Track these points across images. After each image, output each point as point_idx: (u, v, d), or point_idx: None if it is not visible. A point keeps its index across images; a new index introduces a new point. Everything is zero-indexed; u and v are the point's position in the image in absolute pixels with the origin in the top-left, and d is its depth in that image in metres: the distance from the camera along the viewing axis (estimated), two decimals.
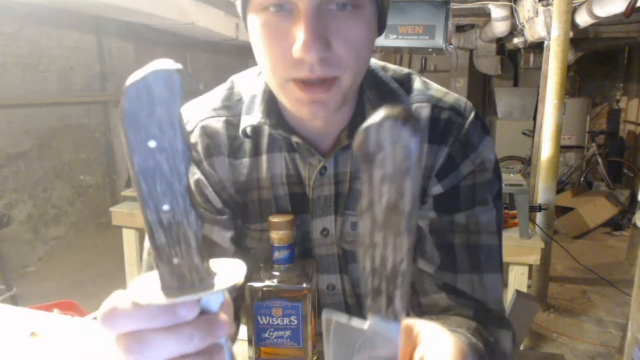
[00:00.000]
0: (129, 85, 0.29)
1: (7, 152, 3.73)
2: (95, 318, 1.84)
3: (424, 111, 0.68)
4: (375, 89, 0.68)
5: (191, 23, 3.88)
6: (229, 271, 0.37)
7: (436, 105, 0.68)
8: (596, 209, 4.60)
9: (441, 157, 0.67)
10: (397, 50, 2.93)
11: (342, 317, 0.34)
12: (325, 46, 0.52)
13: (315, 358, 0.68)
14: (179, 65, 0.29)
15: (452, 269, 0.67)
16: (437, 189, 0.68)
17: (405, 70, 0.74)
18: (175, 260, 0.34)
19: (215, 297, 0.37)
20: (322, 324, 0.35)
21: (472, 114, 0.69)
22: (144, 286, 0.35)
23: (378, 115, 0.27)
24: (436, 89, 0.71)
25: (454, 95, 0.71)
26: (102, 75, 4.65)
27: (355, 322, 0.33)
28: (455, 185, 0.68)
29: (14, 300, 2.69)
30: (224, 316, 0.36)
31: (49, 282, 3.56)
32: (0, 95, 3.62)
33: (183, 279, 0.34)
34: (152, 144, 0.30)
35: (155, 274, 0.35)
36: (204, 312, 0.36)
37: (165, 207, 0.32)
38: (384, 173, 0.27)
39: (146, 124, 0.29)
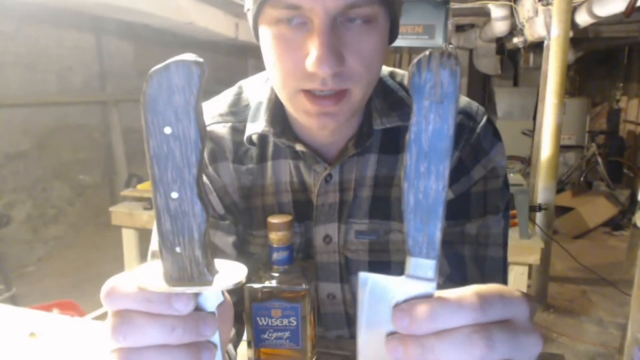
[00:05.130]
0: (153, 72, 0.31)
1: (6, 152, 3.72)
2: (95, 317, 1.84)
3: None
4: (382, 98, 0.67)
5: (190, 23, 3.87)
6: (229, 273, 0.37)
7: None
8: (596, 209, 4.60)
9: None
10: (397, 50, 2.93)
11: (378, 275, 0.34)
12: (339, 61, 0.51)
13: (314, 359, 0.67)
14: (200, 59, 0.31)
15: (463, 281, 0.65)
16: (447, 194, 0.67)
17: None
18: (178, 249, 0.35)
19: (213, 297, 0.37)
20: (357, 284, 0.35)
21: (484, 119, 0.67)
22: (149, 271, 0.37)
23: (424, 53, 0.31)
24: None
25: (465, 98, 0.70)
26: (101, 74, 4.65)
27: (392, 278, 0.34)
28: (465, 191, 0.66)
29: (13, 300, 2.69)
30: (214, 317, 0.37)
31: (48, 282, 3.56)
32: None
33: (183, 270, 0.35)
34: (167, 130, 0.32)
35: (160, 264, 0.36)
36: (198, 309, 0.37)
37: (174, 195, 0.33)
38: (432, 101, 0.31)
39: (163, 110, 0.32)
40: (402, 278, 0.33)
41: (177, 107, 0.31)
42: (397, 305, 0.33)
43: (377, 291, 0.34)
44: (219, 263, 0.38)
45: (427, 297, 0.33)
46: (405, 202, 0.33)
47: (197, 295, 0.36)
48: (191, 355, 0.35)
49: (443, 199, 0.32)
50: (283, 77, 0.56)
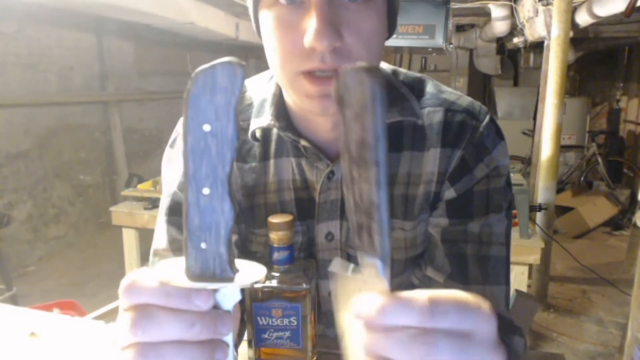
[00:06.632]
0: (199, 71, 0.33)
1: (7, 151, 3.73)
2: (95, 317, 1.84)
3: (437, 115, 0.67)
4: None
5: (191, 23, 3.88)
6: (249, 271, 0.38)
7: (449, 109, 0.67)
8: (596, 209, 4.60)
9: (454, 160, 0.66)
10: (397, 49, 2.93)
11: (344, 268, 0.36)
12: (337, 35, 0.51)
13: (315, 358, 0.68)
14: (243, 62, 0.33)
15: (464, 280, 0.65)
16: (450, 193, 0.67)
17: (417, 74, 0.73)
18: (203, 245, 0.35)
19: (231, 295, 0.38)
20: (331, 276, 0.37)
21: (487, 118, 0.68)
22: (170, 267, 0.37)
23: (346, 68, 0.32)
24: (449, 92, 0.70)
25: (467, 98, 0.70)
26: (101, 74, 4.65)
27: (355, 270, 0.36)
28: (468, 190, 0.66)
29: (14, 300, 2.69)
30: (230, 316, 0.37)
31: (49, 282, 3.56)
32: (0, 94, 3.62)
33: (206, 266, 0.36)
34: (206, 127, 0.33)
35: (182, 260, 0.36)
36: (215, 307, 0.37)
37: (206, 191, 0.34)
38: (353, 112, 0.32)
39: (205, 108, 0.33)
40: (358, 275, 0.35)
41: (218, 106, 0.33)
42: (354, 300, 0.34)
43: (345, 287, 0.36)
44: (238, 262, 0.38)
45: (382, 293, 0.34)
46: (347, 204, 0.35)
47: (215, 292, 0.37)
48: (206, 353, 0.35)
49: (377, 202, 0.32)
50: (283, 60, 0.56)
